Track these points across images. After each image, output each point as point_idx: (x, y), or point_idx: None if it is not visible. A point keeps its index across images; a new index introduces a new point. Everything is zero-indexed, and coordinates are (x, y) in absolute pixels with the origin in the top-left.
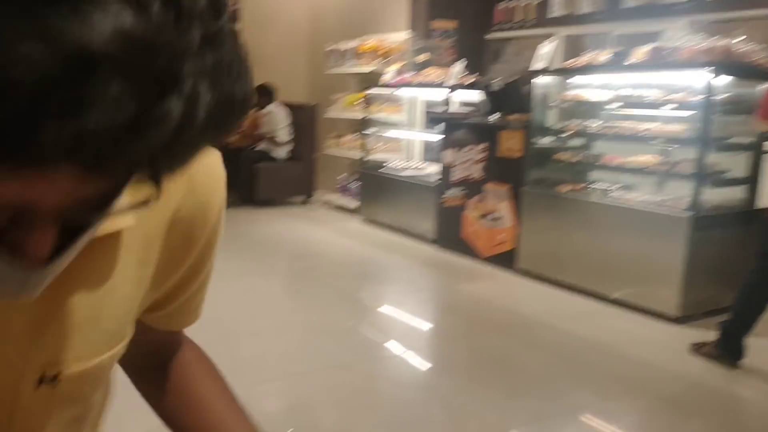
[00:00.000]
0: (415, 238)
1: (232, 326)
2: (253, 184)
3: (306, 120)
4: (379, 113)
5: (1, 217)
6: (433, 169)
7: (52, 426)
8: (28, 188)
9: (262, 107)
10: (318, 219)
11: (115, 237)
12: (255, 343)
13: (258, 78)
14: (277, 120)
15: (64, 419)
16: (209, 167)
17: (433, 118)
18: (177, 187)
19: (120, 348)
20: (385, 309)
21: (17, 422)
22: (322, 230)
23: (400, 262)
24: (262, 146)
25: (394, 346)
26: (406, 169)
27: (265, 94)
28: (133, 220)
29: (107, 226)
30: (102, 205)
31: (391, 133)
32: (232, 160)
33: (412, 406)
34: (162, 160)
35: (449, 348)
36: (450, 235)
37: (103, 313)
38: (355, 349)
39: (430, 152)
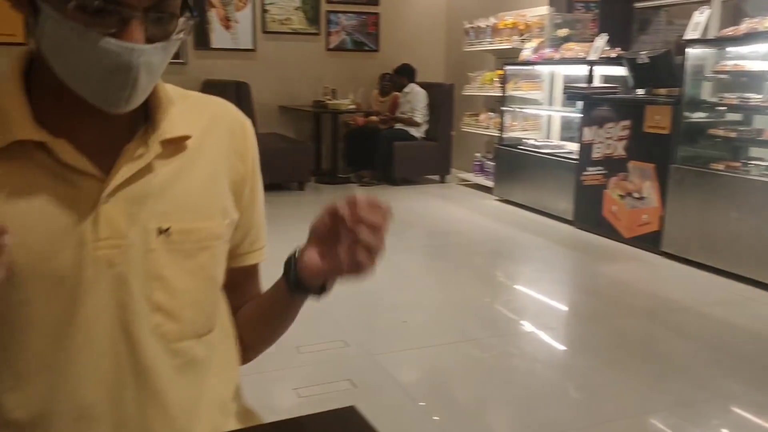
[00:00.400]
0: (552, 217)
1: (371, 299)
2: (390, 162)
3: (442, 99)
4: (517, 90)
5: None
6: (571, 147)
7: (173, 269)
8: None
9: (402, 87)
10: (454, 197)
11: (181, 140)
12: (392, 315)
13: (397, 59)
14: (415, 100)
15: (182, 270)
16: (228, 105)
17: (572, 95)
18: (217, 116)
19: (211, 226)
20: (520, 287)
21: (151, 261)
22: (458, 208)
23: (536, 241)
24: (399, 126)
25: (529, 325)
26: (544, 146)
27: (405, 74)
28: (191, 131)
29: (176, 130)
30: (172, 21)
31: (529, 110)
32: (371, 140)
33: (547, 384)
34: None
35: (587, 329)
36: (589, 214)
37: (192, 191)
38: (489, 325)
39: (569, 129)
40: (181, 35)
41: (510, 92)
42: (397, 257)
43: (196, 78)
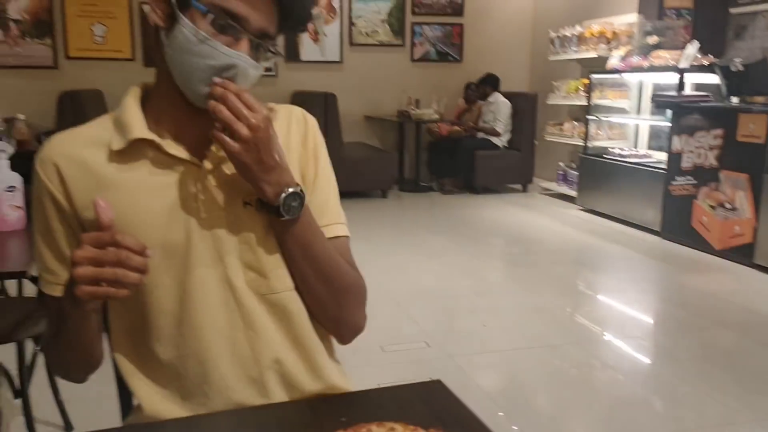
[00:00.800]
0: (638, 227)
1: (451, 302)
2: (472, 171)
3: (526, 108)
4: (603, 99)
5: (225, 20)
6: (659, 157)
7: (256, 234)
8: (249, 7)
9: (486, 96)
10: (536, 206)
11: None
12: (472, 318)
13: (480, 68)
14: (498, 110)
15: (263, 234)
16: (295, 107)
17: (661, 103)
18: (288, 117)
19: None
20: (603, 298)
21: (239, 228)
22: (540, 217)
23: (621, 251)
24: (482, 135)
25: (611, 334)
26: (631, 156)
27: (489, 83)
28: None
29: None
30: (264, 50)
31: (615, 119)
32: (452, 148)
33: (629, 394)
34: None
35: (672, 340)
36: (677, 225)
37: None
38: (570, 333)
39: (657, 139)
40: (266, 62)
41: (596, 101)
42: (478, 264)
43: (285, 89)
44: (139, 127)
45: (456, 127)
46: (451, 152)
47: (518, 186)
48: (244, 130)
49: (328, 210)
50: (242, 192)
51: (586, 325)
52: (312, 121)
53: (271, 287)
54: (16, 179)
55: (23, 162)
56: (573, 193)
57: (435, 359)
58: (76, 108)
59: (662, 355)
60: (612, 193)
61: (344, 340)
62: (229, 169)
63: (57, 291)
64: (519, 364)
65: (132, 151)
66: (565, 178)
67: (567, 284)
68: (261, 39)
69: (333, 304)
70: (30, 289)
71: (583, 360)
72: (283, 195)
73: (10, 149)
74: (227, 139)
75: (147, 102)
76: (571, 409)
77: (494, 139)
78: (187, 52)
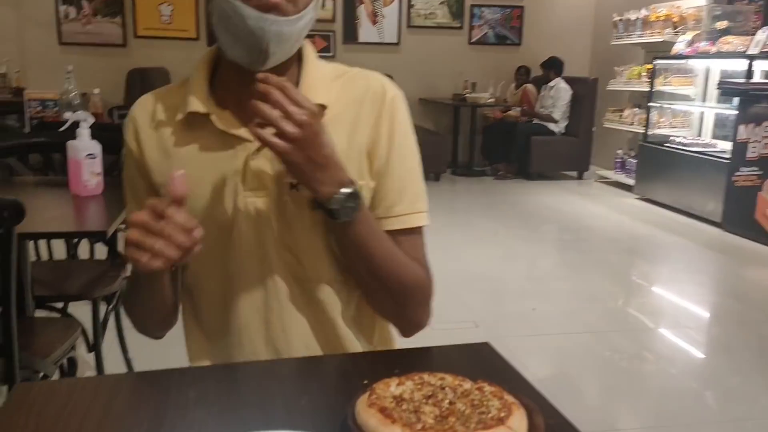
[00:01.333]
0: (697, 218)
1: (501, 285)
2: (527, 157)
3: (585, 94)
4: (666, 85)
5: None
6: (723, 146)
7: (299, 219)
8: None
9: (549, 81)
10: (591, 194)
11: (320, 108)
12: (521, 302)
13: (539, 52)
14: (558, 96)
15: (307, 220)
16: (378, 78)
17: (728, 90)
18: (366, 89)
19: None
20: (658, 288)
21: (283, 210)
22: (595, 205)
23: (678, 242)
24: (538, 120)
25: (664, 325)
26: (693, 144)
27: (552, 67)
28: (330, 102)
29: (315, 99)
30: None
31: (679, 106)
32: (508, 133)
33: (680, 385)
34: None
35: (728, 334)
36: (740, 217)
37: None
38: (621, 322)
39: (722, 127)
40: (310, 11)
41: (659, 87)
42: (529, 249)
43: None
44: (196, 100)
45: (511, 112)
46: (506, 137)
47: (573, 173)
48: (290, 128)
49: (404, 197)
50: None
51: (638, 314)
52: (391, 98)
53: (306, 275)
54: (95, 147)
55: (100, 133)
56: (630, 181)
57: (483, 340)
58: (144, 85)
59: (716, 348)
60: (671, 183)
61: (404, 334)
62: None
63: None
64: (567, 350)
65: (191, 122)
66: (623, 166)
67: (620, 273)
68: None
69: (390, 302)
70: (101, 252)
71: (633, 350)
72: (337, 196)
73: (91, 119)
74: (272, 138)
75: (216, 71)
76: (618, 398)
77: (551, 125)
78: (222, 21)
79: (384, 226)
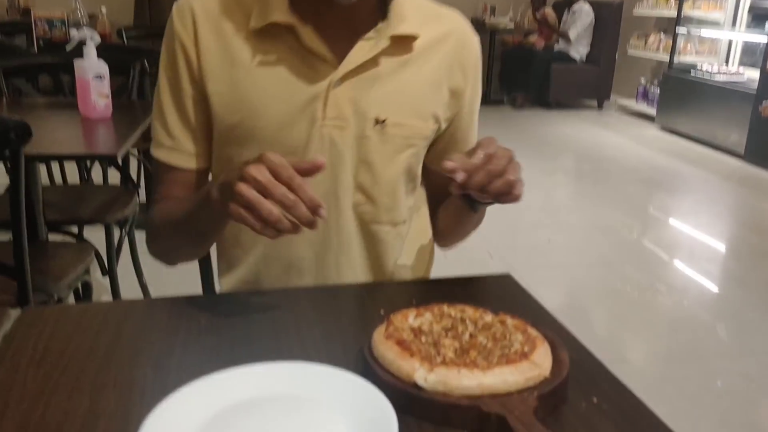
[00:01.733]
0: (720, 150)
1: (517, 216)
2: (546, 85)
3: (609, 19)
4: (695, 10)
5: None
6: (751, 75)
7: (379, 157)
8: None
9: (572, 4)
10: (611, 124)
11: (409, 40)
12: (536, 233)
13: None
14: (579, 18)
15: (387, 160)
16: (461, 19)
17: (760, 15)
18: (450, 27)
19: (422, 127)
20: (675, 220)
21: (363, 146)
22: (615, 135)
23: (699, 174)
24: (559, 46)
25: (679, 258)
26: (720, 73)
27: None
28: (417, 31)
29: (406, 28)
30: None
31: (707, 32)
32: (527, 60)
33: (692, 317)
34: None
35: (745, 267)
36: (764, 148)
37: (412, 90)
38: (636, 254)
39: (751, 55)
40: None
41: (687, 12)
42: (546, 180)
43: None
44: (280, 9)
45: (530, 38)
46: (524, 64)
47: (593, 102)
48: (520, 190)
49: (469, 141)
50: (378, 107)
51: (653, 246)
52: (476, 41)
53: (376, 216)
54: (103, 67)
55: (107, 54)
56: (652, 111)
57: (497, 270)
58: (152, 7)
59: (732, 281)
60: (695, 113)
61: (449, 249)
62: (368, 77)
63: (174, 158)
64: (581, 281)
65: (270, 32)
66: (645, 96)
67: (638, 205)
68: None
69: (463, 238)
70: (114, 177)
71: (647, 282)
72: None
73: (97, 38)
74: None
75: None
76: (630, 330)
77: (572, 52)
78: None
79: (430, 164)
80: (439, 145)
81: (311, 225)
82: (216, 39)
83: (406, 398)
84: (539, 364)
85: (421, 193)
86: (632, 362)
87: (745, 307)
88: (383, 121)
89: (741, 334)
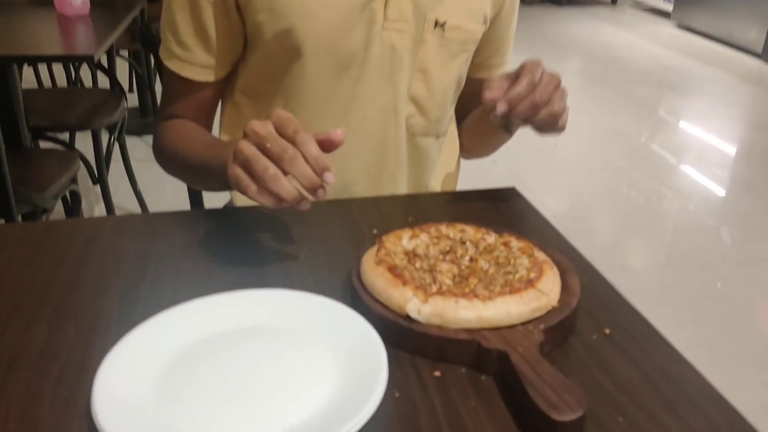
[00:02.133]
0: (738, 48)
1: None
2: None
3: None
4: None
5: None
6: None
7: (436, 64)
8: None
9: None
10: (624, 21)
11: None
12: (541, 139)
13: None
14: None
15: (443, 67)
16: None
17: None
18: None
19: (475, 30)
20: (685, 123)
21: (421, 52)
22: (628, 34)
23: (714, 74)
24: None
25: (687, 162)
26: None
27: None
28: None
29: None
30: None
31: None
32: None
33: (697, 222)
34: None
35: (753, 170)
36: None
37: None
38: (643, 159)
39: None
40: None
41: None
42: None
43: None
44: None
45: None
46: None
47: None
48: (565, 121)
49: (503, 51)
50: (438, 9)
51: (661, 150)
52: None
53: (425, 129)
54: None
55: None
56: (668, 7)
57: (502, 177)
58: None
59: (740, 186)
60: (713, 9)
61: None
62: None
63: (187, 71)
64: (587, 186)
65: None
66: None
67: (648, 107)
68: None
69: (489, 153)
70: (103, 83)
71: (653, 187)
72: None
73: None
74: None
75: None
76: (633, 236)
77: None
78: None
79: (474, 72)
80: (482, 52)
81: (314, 191)
82: None
83: (397, 331)
84: (546, 292)
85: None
86: (635, 268)
87: (753, 212)
88: (443, 23)
89: (747, 240)
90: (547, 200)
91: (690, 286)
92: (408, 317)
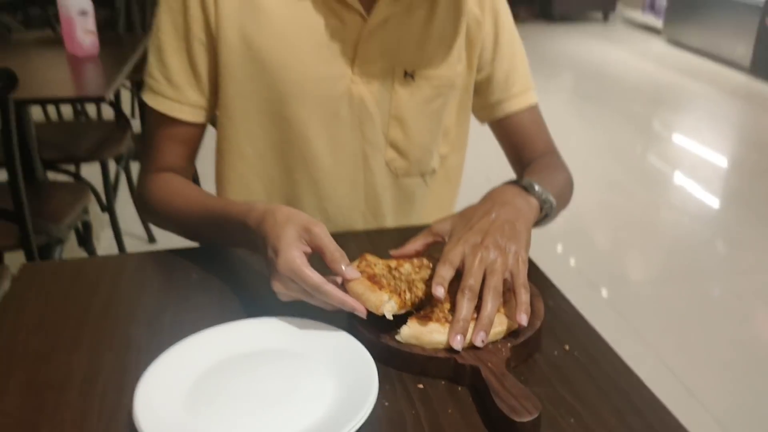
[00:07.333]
0: (726, 64)
1: None
2: None
3: None
4: None
5: None
6: None
7: (411, 111)
8: None
9: None
10: (616, 38)
11: None
12: None
13: None
14: None
15: (418, 113)
16: None
17: None
18: None
19: (450, 75)
20: (678, 138)
21: (394, 101)
22: (619, 50)
23: (704, 89)
24: None
25: (680, 176)
26: None
27: None
28: None
29: None
30: None
31: None
32: None
33: (691, 235)
34: None
35: (745, 184)
36: None
37: (437, 40)
38: (637, 173)
39: None
40: None
41: None
42: (546, 97)
43: None
44: None
45: None
46: None
47: (599, 14)
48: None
49: (516, 76)
50: (406, 59)
51: (654, 165)
52: None
53: (408, 170)
54: (86, 3)
55: None
56: (659, 24)
57: None
58: None
59: (732, 199)
60: (702, 25)
61: None
62: (395, 29)
63: (177, 111)
64: (580, 200)
65: None
66: (652, 7)
67: (640, 122)
68: None
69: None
70: (108, 113)
71: (647, 200)
72: (546, 220)
73: None
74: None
75: None
76: (628, 249)
77: None
78: None
79: (505, 109)
80: (486, 94)
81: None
82: None
83: (386, 351)
84: (510, 316)
85: (456, 139)
86: (627, 280)
87: (741, 224)
88: (412, 73)
89: (735, 252)
90: None
91: (677, 296)
92: (392, 338)
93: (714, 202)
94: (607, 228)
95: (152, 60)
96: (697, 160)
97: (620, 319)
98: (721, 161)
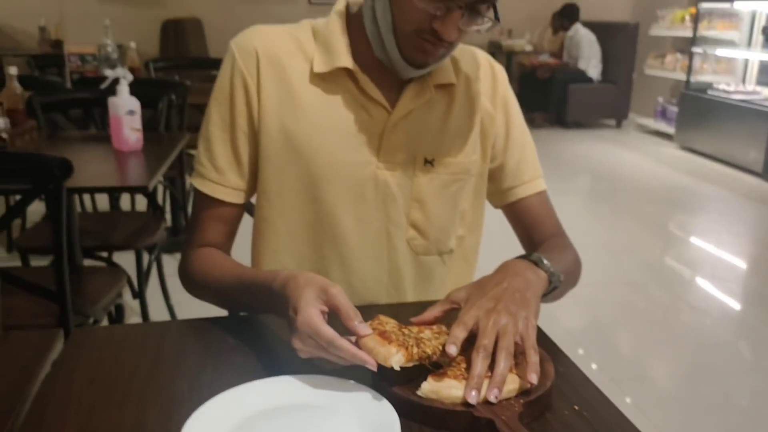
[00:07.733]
0: (739, 168)
1: None
2: (564, 105)
3: (625, 39)
4: (711, 30)
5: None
6: None
7: (430, 194)
8: None
9: (566, 29)
10: (629, 143)
11: (450, 88)
12: None
13: None
14: (580, 45)
15: (437, 196)
16: (483, 53)
17: None
18: (477, 63)
19: (466, 162)
20: (694, 239)
21: (415, 185)
22: (632, 154)
23: (718, 193)
24: (574, 66)
25: (700, 277)
26: (737, 92)
27: (567, 15)
28: (454, 79)
29: (445, 78)
30: (479, 17)
31: (723, 52)
32: (545, 81)
33: (715, 337)
34: None
35: (764, 285)
36: None
37: (455, 130)
38: (657, 274)
39: (767, 74)
40: (481, 28)
41: (703, 32)
42: (563, 199)
43: None
44: (344, 56)
45: (549, 60)
46: (542, 85)
47: (612, 122)
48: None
49: (526, 165)
50: (426, 148)
51: (674, 266)
52: (500, 71)
53: (427, 249)
54: (135, 104)
55: (137, 88)
56: (671, 130)
57: None
58: (178, 36)
59: (753, 301)
60: (713, 132)
61: None
62: (416, 121)
63: (220, 193)
64: (601, 301)
65: (332, 77)
66: (663, 115)
67: (657, 223)
68: (474, 9)
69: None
70: (141, 203)
71: (669, 301)
72: (551, 289)
73: (130, 76)
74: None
75: (349, 26)
76: (653, 350)
77: (590, 71)
78: (385, 30)
79: (516, 194)
80: (499, 181)
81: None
82: (278, 81)
83: (408, 405)
84: (522, 376)
85: (472, 221)
86: (650, 379)
87: (762, 324)
88: (432, 160)
89: (756, 352)
90: (562, 313)
91: (698, 394)
92: (416, 394)
93: (736, 305)
94: (630, 329)
95: (201, 149)
96: (715, 261)
97: (642, 416)
98: (739, 262)
